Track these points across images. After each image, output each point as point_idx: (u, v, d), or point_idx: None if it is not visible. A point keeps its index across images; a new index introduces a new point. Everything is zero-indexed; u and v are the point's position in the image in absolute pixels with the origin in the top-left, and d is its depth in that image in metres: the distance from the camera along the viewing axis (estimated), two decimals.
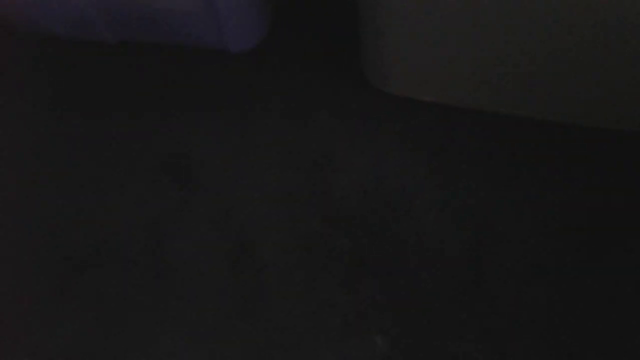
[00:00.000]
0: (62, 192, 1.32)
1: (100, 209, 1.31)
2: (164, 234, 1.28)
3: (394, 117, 1.33)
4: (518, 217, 1.22)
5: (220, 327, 1.20)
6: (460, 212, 1.23)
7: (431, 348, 1.15)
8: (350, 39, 1.36)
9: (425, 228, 1.23)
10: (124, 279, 1.25)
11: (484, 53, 1.19)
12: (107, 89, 1.42)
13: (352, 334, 1.18)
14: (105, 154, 1.35)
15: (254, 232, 1.26)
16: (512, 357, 1.13)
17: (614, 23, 1.08)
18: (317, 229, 1.25)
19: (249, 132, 1.34)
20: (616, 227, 1.21)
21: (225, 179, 1.31)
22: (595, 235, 1.20)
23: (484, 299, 1.17)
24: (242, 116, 1.36)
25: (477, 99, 1.30)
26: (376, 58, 1.31)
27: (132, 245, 1.27)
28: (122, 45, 1.41)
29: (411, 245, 1.22)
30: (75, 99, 1.41)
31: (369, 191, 1.27)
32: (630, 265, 1.17)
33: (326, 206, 1.26)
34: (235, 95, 1.38)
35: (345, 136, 1.31)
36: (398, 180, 1.27)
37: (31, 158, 1.37)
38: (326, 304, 1.20)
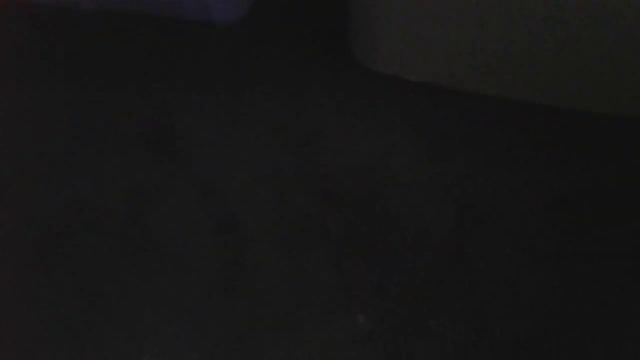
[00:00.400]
0: (43, 161, 1.30)
1: (82, 180, 1.29)
2: (146, 207, 1.26)
3: (383, 96, 1.32)
4: (505, 198, 1.22)
5: (204, 303, 1.19)
6: (447, 192, 1.23)
7: (414, 326, 1.15)
8: (339, 16, 1.35)
9: (413, 207, 1.23)
10: (105, 251, 1.23)
11: (472, 33, 1.19)
12: (89, 59, 1.39)
13: (336, 312, 1.17)
14: (87, 124, 1.33)
15: (239, 208, 1.25)
16: (495, 335, 1.14)
17: (606, 3, 1.08)
18: (304, 207, 1.24)
19: (236, 107, 1.33)
20: (605, 210, 1.21)
21: (210, 154, 1.30)
22: (583, 218, 1.21)
23: (468, 278, 1.18)
24: (229, 90, 1.34)
25: (464, 80, 1.29)
26: (364, 35, 1.30)
27: (113, 218, 1.26)
28: (107, 15, 1.38)
29: (398, 224, 1.21)
30: (56, 68, 1.39)
31: (357, 169, 1.26)
32: (616, 248, 1.19)
33: (314, 183, 1.26)
34: (222, 70, 1.36)
35: (334, 114, 1.31)
36: (386, 158, 1.27)
37: (11, 127, 1.34)
38: (311, 282, 1.19)
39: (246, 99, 1.34)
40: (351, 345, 1.14)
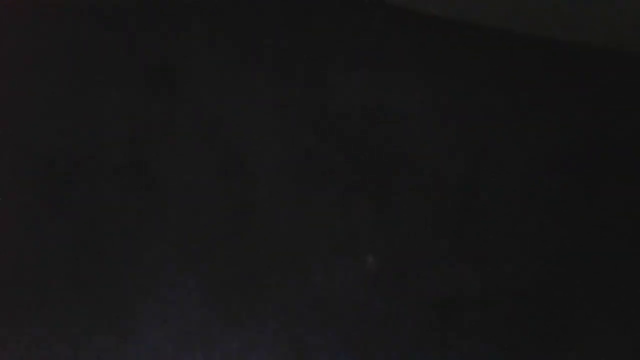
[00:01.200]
0: (43, 100, 1.27)
1: (82, 119, 1.25)
2: (149, 145, 1.23)
3: (396, 32, 1.27)
4: (517, 144, 1.20)
5: (208, 243, 1.17)
6: (459, 135, 1.21)
7: (420, 269, 1.14)
8: None
9: (423, 150, 1.20)
10: (107, 190, 1.21)
11: None
12: None
13: (344, 252, 1.16)
14: (86, 60, 1.29)
15: (244, 145, 1.22)
16: (501, 280, 1.13)
17: None
18: (312, 146, 1.21)
19: (240, 39, 1.28)
20: (618, 163, 1.20)
21: (214, 90, 1.26)
22: (596, 170, 1.19)
23: (477, 224, 1.17)
24: (235, 25, 1.30)
25: (483, 13, 1.24)
26: None
27: (116, 156, 1.22)
28: None
29: (408, 166, 1.19)
30: (65, 4, 1.34)
31: (367, 107, 1.23)
32: (625, 197, 1.17)
33: (322, 122, 1.22)
34: (228, 3, 1.32)
35: (345, 48, 1.26)
36: (398, 98, 1.23)
37: (13, 65, 1.30)
38: (318, 223, 1.17)
39: (253, 34, 1.30)
40: (358, 286, 1.13)
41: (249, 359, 1.08)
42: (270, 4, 1.31)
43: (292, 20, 1.30)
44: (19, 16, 1.33)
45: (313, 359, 1.08)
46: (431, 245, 1.16)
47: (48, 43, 1.31)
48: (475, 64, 1.26)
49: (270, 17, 1.30)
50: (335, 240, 1.16)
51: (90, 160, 1.22)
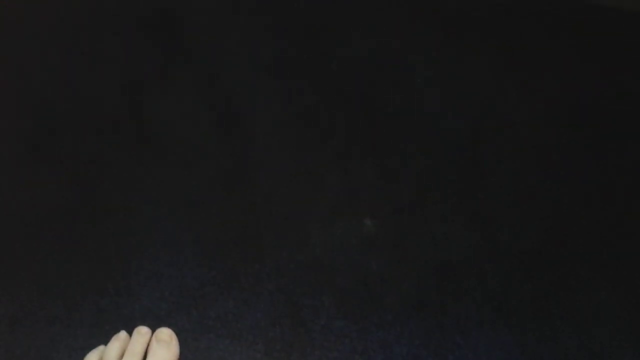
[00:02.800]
0: (36, 51, 1.23)
1: (77, 71, 1.22)
2: (145, 98, 1.20)
3: None
4: (522, 104, 1.17)
5: (204, 198, 1.15)
6: (463, 93, 1.18)
7: (419, 230, 1.12)
8: None
9: (426, 108, 1.17)
10: (102, 143, 1.18)
11: None
12: None
13: (342, 213, 1.14)
14: (85, 7, 1.26)
15: (242, 100, 1.19)
16: (502, 242, 1.12)
17: None
18: (310, 103, 1.18)
19: None
20: (622, 116, 1.17)
21: (211, 42, 1.23)
22: (600, 125, 1.16)
23: (479, 184, 1.14)
24: None
25: None
26: None
27: (111, 108, 1.20)
28: None
29: (409, 125, 1.16)
30: None
31: (369, 64, 1.19)
32: (632, 157, 1.15)
33: (322, 78, 1.19)
34: None
35: (345, 3, 1.23)
36: (400, 53, 1.20)
37: (9, 17, 1.26)
38: (316, 182, 1.15)
39: None
40: (356, 247, 1.12)
41: (244, 320, 1.07)
42: None
43: None
44: None
45: (308, 320, 1.07)
46: (431, 208, 1.14)
47: None
48: (486, 15, 1.21)
49: None
50: (333, 201, 1.14)
51: (84, 111, 1.20)
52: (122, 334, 1.02)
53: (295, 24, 1.23)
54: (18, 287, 1.07)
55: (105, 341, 1.01)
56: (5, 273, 1.08)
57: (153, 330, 1.02)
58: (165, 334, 1.01)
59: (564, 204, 1.12)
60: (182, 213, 1.14)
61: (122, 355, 0.99)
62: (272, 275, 1.09)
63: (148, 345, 1.01)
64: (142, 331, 1.02)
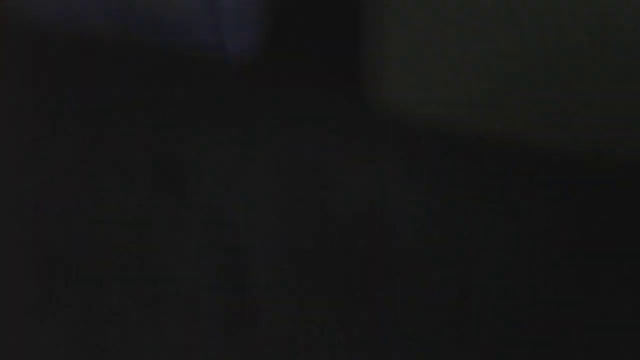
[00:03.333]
0: (51, 194, 1.29)
1: (90, 213, 1.28)
2: (151, 242, 1.25)
3: (391, 138, 1.30)
4: (509, 252, 1.19)
5: (205, 341, 1.17)
6: (451, 241, 1.21)
7: None
8: (352, 52, 1.35)
9: (416, 255, 1.21)
10: (107, 287, 1.21)
11: (489, 78, 1.18)
12: (103, 90, 1.39)
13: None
14: (97, 156, 1.32)
15: (244, 245, 1.23)
16: None
17: (615, 48, 1.07)
18: (309, 248, 1.22)
19: (244, 142, 1.31)
20: (606, 255, 1.19)
21: (217, 190, 1.28)
22: (584, 272, 1.18)
23: (469, 324, 1.15)
24: (238, 126, 1.33)
25: (477, 125, 1.28)
26: (376, 76, 1.29)
27: (117, 252, 1.24)
28: (120, 46, 1.39)
29: (400, 272, 1.19)
30: (70, 99, 1.38)
31: (362, 211, 1.23)
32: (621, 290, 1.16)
33: (319, 225, 1.24)
34: (232, 105, 1.35)
35: (342, 154, 1.28)
36: (391, 202, 1.25)
37: (23, 158, 1.34)
38: (313, 330, 1.17)
39: (255, 135, 1.32)
40: None
41: None
42: (273, 108, 1.35)
43: (293, 125, 1.33)
44: (33, 106, 1.37)
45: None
46: (426, 346, 1.14)
47: (56, 137, 1.34)
48: (469, 171, 1.26)
49: (272, 122, 1.34)
50: (331, 348, 1.15)
51: (92, 255, 1.24)
52: None
53: (293, 172, 1.28)
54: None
55: None
56: None
57: None
58: None
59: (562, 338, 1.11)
60: (183, 355, 1.16)
61: None
62: None
63: None
64: None
